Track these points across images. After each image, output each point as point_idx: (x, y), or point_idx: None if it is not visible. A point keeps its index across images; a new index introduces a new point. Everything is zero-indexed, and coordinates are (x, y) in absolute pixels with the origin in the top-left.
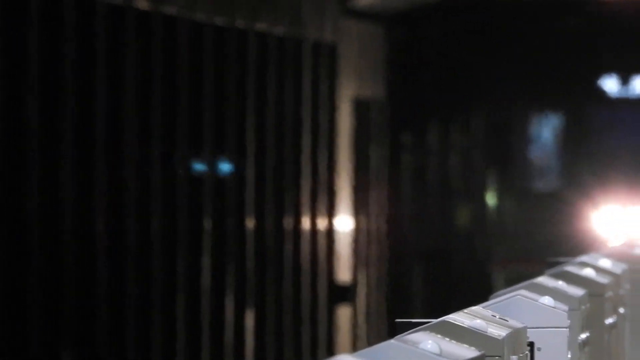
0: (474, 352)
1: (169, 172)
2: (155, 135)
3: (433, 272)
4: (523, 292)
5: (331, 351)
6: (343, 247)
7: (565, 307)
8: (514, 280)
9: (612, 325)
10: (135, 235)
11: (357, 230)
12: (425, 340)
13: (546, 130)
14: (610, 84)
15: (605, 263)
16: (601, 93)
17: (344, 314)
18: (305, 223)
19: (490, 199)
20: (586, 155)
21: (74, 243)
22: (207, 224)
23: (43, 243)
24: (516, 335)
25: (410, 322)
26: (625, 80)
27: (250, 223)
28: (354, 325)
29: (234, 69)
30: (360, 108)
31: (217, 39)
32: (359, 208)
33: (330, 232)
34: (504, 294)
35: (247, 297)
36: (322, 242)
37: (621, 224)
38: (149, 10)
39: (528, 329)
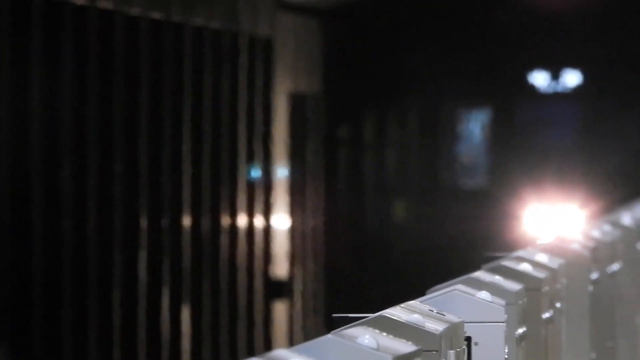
0: (411, 347)
1: (105, 168)
2: (91, 131)
3: (370, 267)
4: (460, 286)
5: (268, 346)
6: (279, 243)
7: (502, 302)
8: (451, 275)
9: (549, 320)
10: (71, 231)
11: (294, 226)
12: (363, 335)
13: (476, 125)
14: (540, 79)
15: (542, 258)
16: (532, 88)
17: (280, 309)
18: (242, 218)
19: (422, 196)
20: (515, 151)
21: (8, 237)
22: (143, 220)
23: None
24: (453, 329)
25: (348, 316)
26: (555, 74)
27: (186, 219)
28: (291, 320)
29: (170, 63)
30: (297, 103)
31: (153, 33)
32: (295, 203)
33: (266, 227)
34: (441, 288)
35: (183, 293)
36: (258, 237)
37: (550, 222)
38: (85, 5)
39: (465, 324)
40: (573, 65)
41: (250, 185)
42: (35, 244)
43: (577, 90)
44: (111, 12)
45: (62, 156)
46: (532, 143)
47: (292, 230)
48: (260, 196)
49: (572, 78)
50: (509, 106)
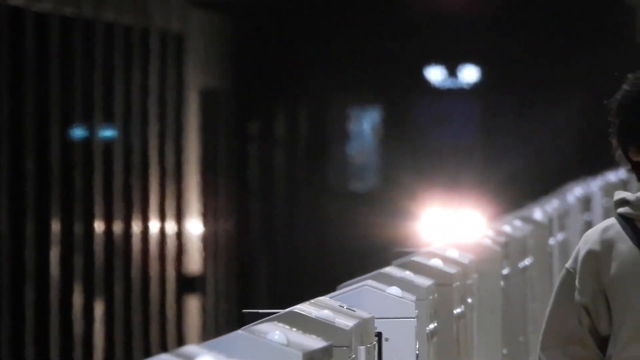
0: (321, 343)
1: (17, 167)
2: (4, 129)
3: (280, 264)
4: (370, 282)
5: (180, 342)
6: (192, 239)
7: (413, 297)
8: (360, 271)
9: (461, 315)
10: None
11: (206, 222)
12: (273, 330)
13: (367, 123)
14: (436, 75)
15: (452, 253)
16: (427, 84)
17: (192, 305)
18: (154, 215)
19: (315, 195)
20: (409, 150)
21: None
22: (56, 218)
23: None
24: (364, 325)
25: (258, 312)
26: (451, 71)
27: (98, 216)
28: (203, 316)
29: (81, 59)
30: (208, 98)
31: (64, 29)
32: (208, 200)
33: (179, 223)
34: (352, 284)
35: (95, 289)
36: (171, 233)
37: (442, 225)
38: None
39: (375, 319)
40: (471, 61)
41: (162, 180)
42: None
43: (475, 87)
44: (21, 9)
45: None
46: (427, 141)
47: (205, 227)
48: (172, 192)
49: (469, 74)
50: (402, 103)
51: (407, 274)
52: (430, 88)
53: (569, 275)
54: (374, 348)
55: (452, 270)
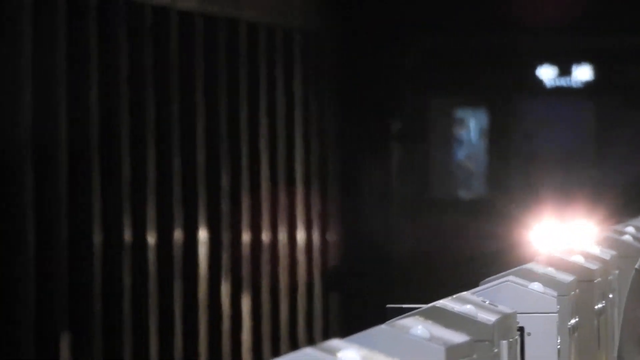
0: (463, 337)
1: (164, 168)
2: (149, 129)
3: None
4: (512, 277)
5: (326, 336)
6: (331, 241)
7: (555, 293)
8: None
9: (601, 311)
10: None
11: (342, 226)
12: (416, 325)
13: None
14: (545, 75)
15: (594, 249)
16: (536, 84)
17: (336, 301)
18: (300, 218)
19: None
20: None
21: None
22: (203, 225)
23: None
24: (506, 320)
25: (402, 307)
26: (563, 70)
27: (245, 219)
28: (348, 312)
29: (225, 57)
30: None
31: (208, 27)
32: (343, 206)
33: (322, 225)
34: (494, 279)
35: (242, 285)
36: (315, 235)
37: (554, 235)
38: None
39: (518, 314)
40: (584, 60)
41: (307, 187)
42: None
43: (588, 87)
44: (165, 7)
45: None
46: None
47: (342, 230)
48: (315, 200)
49: (582, 74)
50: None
51: (549, 270)
52: (539, 88)
53: None
54: (516, 343)
55: (593, 266)
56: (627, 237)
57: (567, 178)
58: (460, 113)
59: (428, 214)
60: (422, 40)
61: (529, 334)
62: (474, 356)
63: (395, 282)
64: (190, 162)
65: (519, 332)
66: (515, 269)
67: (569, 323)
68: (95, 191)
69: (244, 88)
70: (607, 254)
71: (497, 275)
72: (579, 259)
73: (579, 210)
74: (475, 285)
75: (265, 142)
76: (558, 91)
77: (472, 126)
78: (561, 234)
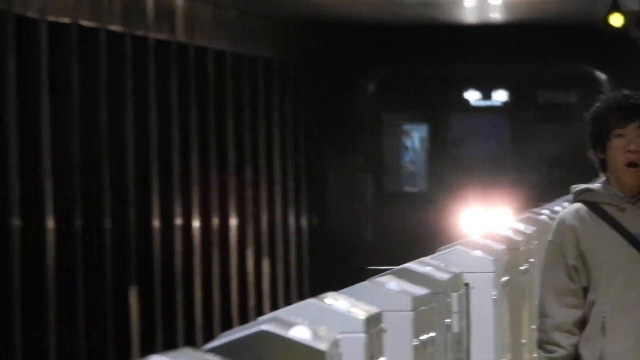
0: (425, 290)
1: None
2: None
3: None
4: (459, 247)
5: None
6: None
7: (491, 258)
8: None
9: (525, 271)
10: None
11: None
12: (390, 281)
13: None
14: (471, 96)
15: (519, 226)
16: (464, 104)
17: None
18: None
19: None
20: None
21: None
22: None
23: None
24: (456, 278)
25: (379, 268)
26: (484, 93)
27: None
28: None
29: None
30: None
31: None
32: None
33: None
34: (445, 249)
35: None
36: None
37: (479, 220)
38: None
39: (464, 274)
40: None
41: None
42: None
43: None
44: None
45: None
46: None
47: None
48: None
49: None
50: None
51: (488, 241)
52: (467, 107)
53: (554, 245)
54: (464, 295)
55: (519, 238)
56: (543, 217)
57: (489, 176)
58: (406, 126)
59: (382, 205)
60: (377, 69)
61: (472, 288)
62: (433, 304)
63: (360, 257)
64: (185, 166)
65: (465, 287)
66: (461, 240)
67: (502, 280)
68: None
69: (230, 109)
70: (529, 229)
71: (448, 245)
72: (509, 233)
73: (497, 201)
74: (430, 253)
75: (250, 148)
76: (481, 109)
77: (415, 136)
78: (484, 219)
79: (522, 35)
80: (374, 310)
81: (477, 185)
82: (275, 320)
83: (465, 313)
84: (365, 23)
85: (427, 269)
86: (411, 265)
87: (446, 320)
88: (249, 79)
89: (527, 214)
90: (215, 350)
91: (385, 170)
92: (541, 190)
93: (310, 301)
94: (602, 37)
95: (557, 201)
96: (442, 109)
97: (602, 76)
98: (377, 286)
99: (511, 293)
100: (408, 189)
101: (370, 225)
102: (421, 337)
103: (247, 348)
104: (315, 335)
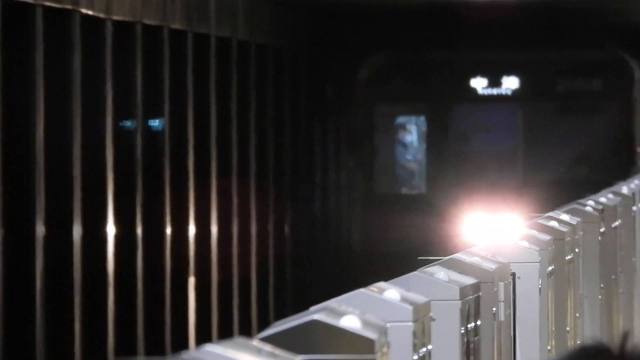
0: (472, 280)
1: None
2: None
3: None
4: (506, 237)
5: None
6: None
7: (537, 248)
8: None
9: (570, 261)
10: None
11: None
12: (439, 272)
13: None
14: (477, 84)
15: (564, 217)
16: (469, 93)
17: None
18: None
19: None
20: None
21: None
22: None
23: None
24: (503, 268)
25: (429, 259)
26: (493, 81)
27: None
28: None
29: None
30: None
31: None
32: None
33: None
34: (493, 240)
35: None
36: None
37: (484, 228)
38: None
39: (511, 264)
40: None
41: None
42: None
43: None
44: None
45: None
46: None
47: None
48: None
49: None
50: None
51: (533, 232)
52: (473, 96)
53: None
54: (510, 284)
55: (565, 229)
56: (588, 208)
57: (498, 176)
58: (403, 119)
59: (374, 207)
60: (370, 55)
61: (519, 278)
62: (480, 293)
63: (346, 269)
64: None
65: (512, 277)
66: (509, 229)
67: (547, 269)
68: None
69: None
70: (574, 220)
71: (498, 235)
72: (555, 224)
73: (507, 205)
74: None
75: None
76: (489, 99)
77: (413, 130)
78: (491, 226)
79: (538, 15)
80: (422, 299)
81: (483, 187)
82: (326, 309)
83: (512, 302)
84: (359, 2)
85: (474, 259)
86: (460, 255)
87: (493, 309)
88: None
89: (573, 205)
90: (267, 340)
91: (378, 169)
92: (560, 191)
93: (361, 291)
94: (632, 16)
95: (603, 192)
96: (443, 99)
97: (631, 61)
98: (427, 276)
99: (556, 282)
100: (404, 190)
101: (360, 232)
102: (468, 326)
103: (299, 337)
104: (365, 324)
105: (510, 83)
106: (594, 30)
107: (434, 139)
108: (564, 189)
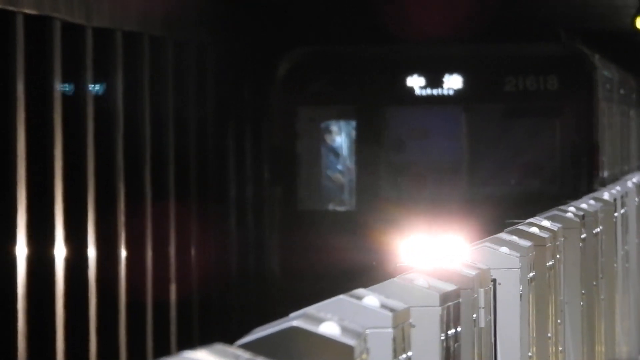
0: (452, 286)
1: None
2: None
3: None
4: (487, 243)
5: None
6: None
7: (518, 254)
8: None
9: (551, 267)
10: None
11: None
12: (418, 279)
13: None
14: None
15: (545, 223)
16: (406, 93)
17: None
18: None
19: None
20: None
21: None
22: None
23: None
24: (483, 274)
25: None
26: (433, 80)
27: None
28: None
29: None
30: None
31: None
32: None
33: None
34: (473, 246)
35: None
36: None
37: (424, 248)
38: None
39: (491, 270)
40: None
41: None
42: None
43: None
44: None
45: None
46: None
47: None
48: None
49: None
50: None
51: (514, 238)
52: (410, 97)
53: None
54: (490, 290)
55: (546, 235)
56: (569, 215)
57: (439, 190)
58: (329, 123)
59: (295, 228)
60: (292, 50)
61: (499, 284)
62: (460, 300)
63: (266, 295)
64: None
65: (492, 283)
66: (490, 237)
67: (528, 275)
68: None
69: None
70: (555, 226)
71: (476, 242)
72: (536, 230)
73: (450, 223)
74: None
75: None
76: (428, 100)
77: (341, 137)
78: (431, 247)
79: (485, 3)
80: (402, 306)
81: (422, 203)
82: (305, 316)
83: (492, 308)
84: None
85: (455, 266)
86: (439, 262)
87: (473, 315)
88: None
89: (555, 211)
90: (246, 346)
91: (301, 183)
92: (510, 207)
93: (340, 297)
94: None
95: (584, 199)
96: (375, 101)
97: (592, 56)
98: (406, 282)
99: (537, 288)
100: (330, 207)
101: (279, 255)
102: (448, 332)
103: (278, 344)
104: (344, 330)
105: (452, 82)
106: (548, 21)
107: (366, 147)
108: (513, 205)
